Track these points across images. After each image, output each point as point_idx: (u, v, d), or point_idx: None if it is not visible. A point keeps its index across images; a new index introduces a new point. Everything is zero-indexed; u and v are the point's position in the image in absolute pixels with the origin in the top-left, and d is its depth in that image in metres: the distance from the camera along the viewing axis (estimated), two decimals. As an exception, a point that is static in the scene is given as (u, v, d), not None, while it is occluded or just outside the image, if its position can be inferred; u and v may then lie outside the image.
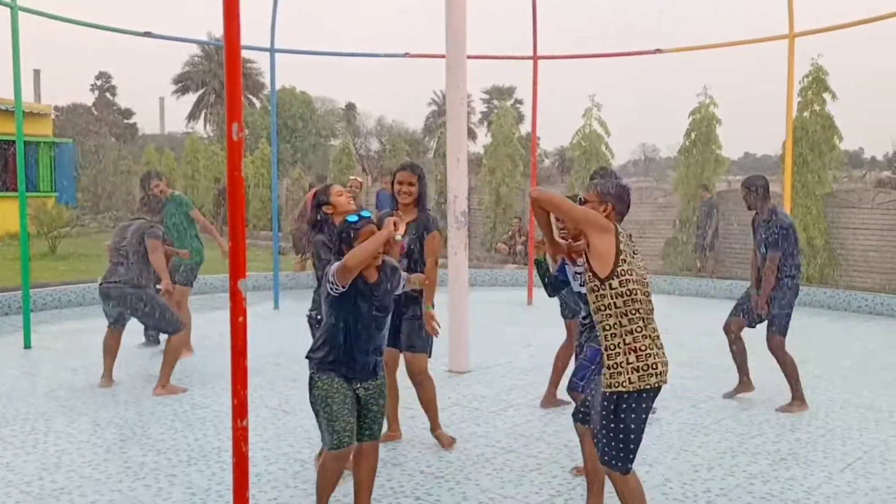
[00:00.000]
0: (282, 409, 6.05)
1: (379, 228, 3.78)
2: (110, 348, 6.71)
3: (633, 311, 3.47)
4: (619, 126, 17.53)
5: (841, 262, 13.56)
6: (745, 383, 6.44)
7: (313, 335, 4.74)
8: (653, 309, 3.56)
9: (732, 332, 6.41)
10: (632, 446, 3.50)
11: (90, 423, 5.65)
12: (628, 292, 3.46)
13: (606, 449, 3.52)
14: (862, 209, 13.45)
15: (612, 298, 3.47)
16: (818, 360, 7.83)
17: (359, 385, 3.79)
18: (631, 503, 3.55)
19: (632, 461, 3.52)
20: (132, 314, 6.62)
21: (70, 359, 7.63)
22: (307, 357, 3.83)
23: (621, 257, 3.48)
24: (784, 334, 6.18)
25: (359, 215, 3.78)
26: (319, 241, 4.57)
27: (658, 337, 3.55)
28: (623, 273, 3.47)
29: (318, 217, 4.64)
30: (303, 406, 6.11)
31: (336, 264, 3.63)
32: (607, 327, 3.51)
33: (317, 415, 3.76)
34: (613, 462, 3.51)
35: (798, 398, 6.16)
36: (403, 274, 4.03)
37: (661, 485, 4.55)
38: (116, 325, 6.72)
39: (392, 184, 5.24)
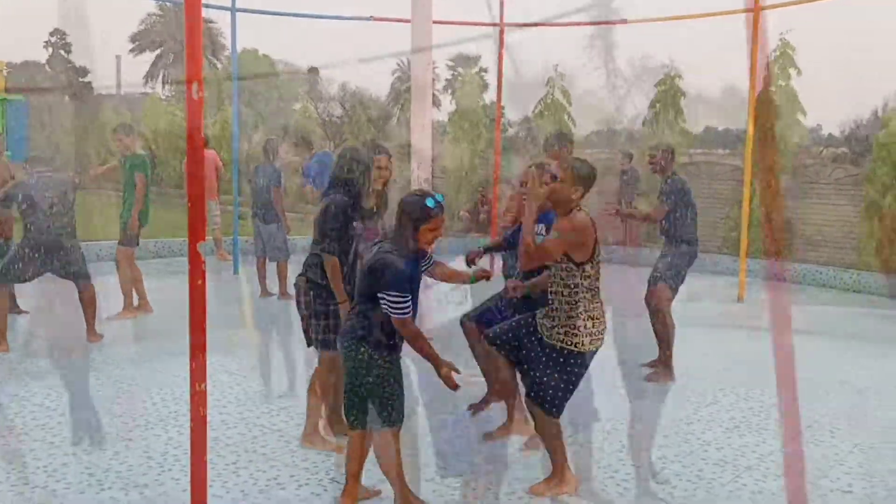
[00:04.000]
0: (241, 374, 6.00)
1: None
2: (3, 308, 6.55)
3: (594, 288, 3.87)
4: (583, 97, 17.54)
5: (797, 236, 13.81)
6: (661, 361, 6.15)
7: (307, 302, 4.35)
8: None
9: (653, 303, 6.12)
10: (569, 395, 3.91)
11: (43, 387, 5.54)
12: (595, 274, 3.84)
13: (543, 393, 3.86)
14: (819, 184, 13.68)
15: (581, 279, 3.81)
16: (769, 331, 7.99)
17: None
18: (549, 442, 3.93)
19: (563, 408, 3.90)
20: (66, 261, 6.61)
21: (20, 320, 7.46)
22: (362, 339, 3.55)
23: (597, 247, 3.81)
24: (673, 291, 6.05)
25: (436, 201, 3.55)
26: (341, 201, 4.27)
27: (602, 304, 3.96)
28: (596, 259, 3.82)
29: (354, 172, 4.32)
30: (262, 372, 6.09)
31: (402, 317, 3.46)
32: (570, 299, 3.84)
33: (377, 395, 3.56)
34: (547, 405, 3.86)
35: (664, 364, 6.03)
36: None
37: (617, 451, 4.62)
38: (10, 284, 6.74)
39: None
